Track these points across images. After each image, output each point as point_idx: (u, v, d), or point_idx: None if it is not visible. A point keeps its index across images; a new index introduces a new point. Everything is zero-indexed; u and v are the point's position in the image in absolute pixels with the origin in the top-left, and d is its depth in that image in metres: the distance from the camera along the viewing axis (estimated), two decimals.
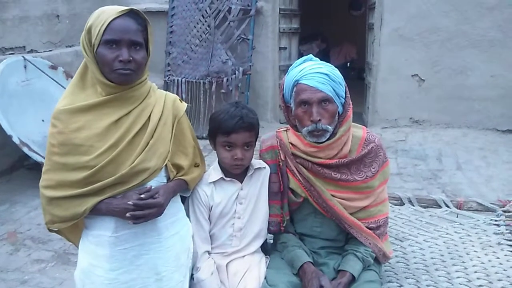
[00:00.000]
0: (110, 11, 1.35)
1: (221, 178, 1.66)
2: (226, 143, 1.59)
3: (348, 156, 1.63)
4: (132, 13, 1.37)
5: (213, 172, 1.68)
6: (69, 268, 2.78)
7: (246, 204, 1.68)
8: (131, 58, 1.34)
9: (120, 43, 1.33)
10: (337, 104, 1.58)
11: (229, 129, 1.57)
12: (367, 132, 1.70)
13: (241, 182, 1.68)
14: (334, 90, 1.56)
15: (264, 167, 1.71)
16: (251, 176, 1.69)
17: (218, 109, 1.66)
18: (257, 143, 1.69)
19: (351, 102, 1.65)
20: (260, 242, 1.74)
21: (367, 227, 1.66)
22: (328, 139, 1.60)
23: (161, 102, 1.49)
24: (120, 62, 1.33)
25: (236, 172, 1.65)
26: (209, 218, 1.67)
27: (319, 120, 1.53)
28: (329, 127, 1.56)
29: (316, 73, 1.55)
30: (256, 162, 1.70)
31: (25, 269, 2.80)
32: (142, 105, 1.44)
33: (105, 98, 1.38)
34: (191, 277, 1.63)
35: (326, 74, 1.56)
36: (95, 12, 1.38)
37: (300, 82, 1.57)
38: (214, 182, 1.66)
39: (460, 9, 5.19)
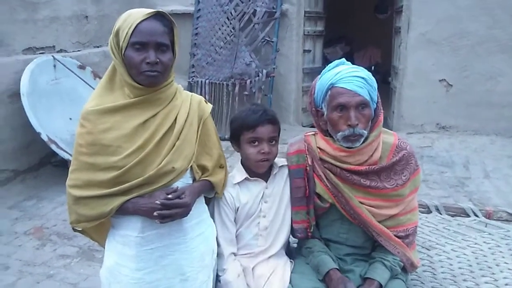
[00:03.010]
0: (137, 14, 1.36)
1: (246, 178, 1.67)
2: (252, 139, 1.60)
3: (378, 163, 1.59)
4: (158, 16, 1.38)
5: (237, 173, 1.69)
6: (94, 264, 2.83)
7: (271, 203, 1.68)
8: (158, 60, 1.35)
9: (147, 45, 1.35)
10: (371, 108, 1.55)
11: (254, 123, 1.59)
12: (398, 139, 1.65)
13: (266, 181, 1.68)
14: (370, 94, 1.53)
15: (287, 165, 1.71)
16: (275, 174, 1.70)
17: (237, 112, 1.68)
18: (284, 146, 1.68)
19: (382, 107, 1.62)
20: (284, 239, 1.73)
21: (395, 236, 1.62)
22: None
23: (187, 103, 1.50)
24: (147, 64, 1.34)
25: (262, 169, 1.65)
26: (235, 220, 1.67)
27: (357, 124, 1.50)
28: (365, 132, 1.53)
29: (354, 76, 1.52)
30: (279, 160, 1.70)
31: (51, 263, 2.86)
32: (168, 107, 1.45)
33: (133, 100, 1.40)
34: (217, 279, 1.63)
35: (363, 78, 1.52)
36: (122, 15, 1.40)
37: (336, 85, 1.53)
38: (239, 183, 1.67)
39: (491, 13, 5.07)
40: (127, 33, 1.34)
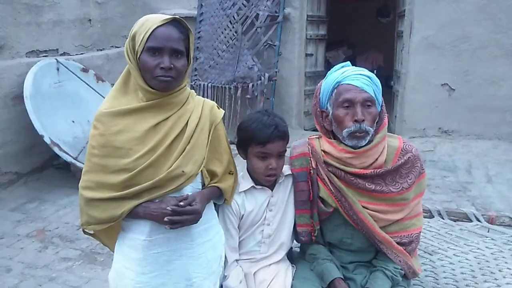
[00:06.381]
0: (154, 19, 1.38)
1: (252, 186, 1.65)
2: (260, 154, 1.57)
3: (383, 167, 1.56)
4: (175, 22, 1.40)
5: (243, 181, 1.67)
6: (95, 267, 2.84)
7: (276, 211, 1.66)
8: (172, 66, 1.36)
9: (162, 51, 1.36)
10: (377, 108, 1.55)
11: (264, 139, 1.55)
12: (403, 142, 1.63)
13: (271, 189, 1.67)
14: (375, 93, 1.54)
15: (290, 168, 1.68)
16: (281, 183, 1.68)
17: (247, 118, 1.63)
18: (288, 150, 1.67)
19: (386, 111, 1.61)
20: (287, 247, 1.72)
21: (399, 242, 1.59)
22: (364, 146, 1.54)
23: (199, 108, 1.51)
24: (161, 69, 1.36)
25: (268, 183, 1.63)
26: (239, 226, 1.66)
27: (363, 120, 1.49)
28: (371, 129, 1.52)
29: (360, 74, 1.54)
30: (286, 169, 1.69)
31: (53, 266, 2.87)
32: (180, 111, 1.46)
33: (145, 103, 1.41)
34: (220, 286, 1.61)
35: (369, 77, 1.55)
36: (140, 19, 1.42)
37: (343, 82, 1.54)
38: (244, 191, 1.65)
39: (494, 17, 5.07)
40: (143, 38, 1.35)
